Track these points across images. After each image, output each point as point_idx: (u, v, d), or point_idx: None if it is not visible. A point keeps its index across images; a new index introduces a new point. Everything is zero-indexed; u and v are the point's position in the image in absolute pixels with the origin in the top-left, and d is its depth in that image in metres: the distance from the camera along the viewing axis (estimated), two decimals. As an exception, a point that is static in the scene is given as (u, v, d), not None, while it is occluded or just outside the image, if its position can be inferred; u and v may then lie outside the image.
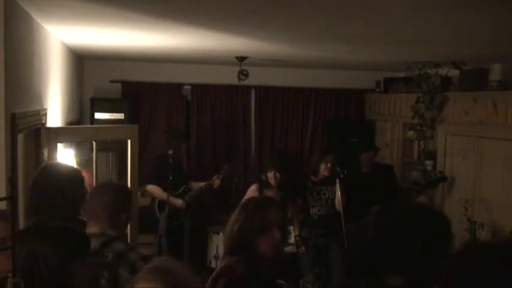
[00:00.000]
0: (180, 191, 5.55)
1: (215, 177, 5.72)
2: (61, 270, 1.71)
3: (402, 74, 6.27)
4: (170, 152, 5.28)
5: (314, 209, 5.07)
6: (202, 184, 5.72)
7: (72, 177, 2.48)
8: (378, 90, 6.61)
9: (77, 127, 4.75)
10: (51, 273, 1.69)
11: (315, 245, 5.04)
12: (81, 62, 6.10)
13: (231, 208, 3.72)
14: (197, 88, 6.51)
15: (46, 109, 3.47)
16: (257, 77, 6.08)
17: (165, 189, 5.39)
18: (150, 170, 5.56)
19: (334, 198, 5.03)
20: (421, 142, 5.79)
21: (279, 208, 2.38)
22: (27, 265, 1.67)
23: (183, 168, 5.70)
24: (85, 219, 2.49)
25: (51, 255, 1.70)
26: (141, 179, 4.75)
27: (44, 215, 2.34)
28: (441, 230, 1.83)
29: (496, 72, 4.76)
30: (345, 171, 4.90)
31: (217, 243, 5.86)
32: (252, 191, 5.39)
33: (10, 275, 1.53)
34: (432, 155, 5.47)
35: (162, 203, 5.45)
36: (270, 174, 5.40)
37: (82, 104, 6.04)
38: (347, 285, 2.72)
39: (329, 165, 5.03)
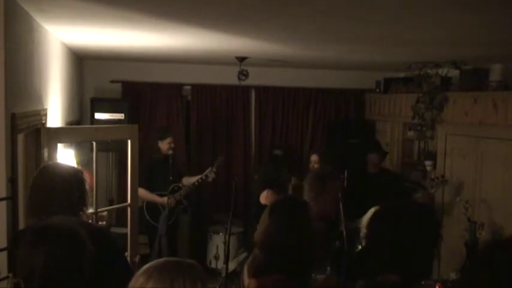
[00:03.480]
0: (169, 190, 5.47)
1: (209, 170, 5.55)
2: (74, 270, 1.70)
3: (402, 74, 6.26)
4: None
5: None
6: (194, 179, 5.59)
7: (71, 178, 2.47)
8: (378, 90, 6.60)
9: (77, 127, 4.75)
10: (67, 273, 1.69)
11: None
12: (81, 62, 6.10)
13: (230, 208, 3.73)
14: (197, 88, 6.51)
15: (46, 109, 3.47)
16: (257, 77, 6.08)
17: (151, 190, 5.43)
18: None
19: None
20: (421, 142, 5.78)
21: None
22: (42, 266, 1.66)
23: (172, 167, 5.59)
24: (85, 219, 2.51)
25: (64, 256, 1.70)
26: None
27: (44, 216, 2.33)
28: (429, 228, 1.87)
29: (496, 72, 4.76)
30: (345, 172, 4.88)
31: (217, 243, 5.85)
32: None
33: (10, 275, 1.52)
34: (432, 155, 5.46)
35: (149, 204, 5.47)
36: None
37: (82, 104, 6.04)
38: (344, 285, 2.74)
39: (315, 158, 5.52)
